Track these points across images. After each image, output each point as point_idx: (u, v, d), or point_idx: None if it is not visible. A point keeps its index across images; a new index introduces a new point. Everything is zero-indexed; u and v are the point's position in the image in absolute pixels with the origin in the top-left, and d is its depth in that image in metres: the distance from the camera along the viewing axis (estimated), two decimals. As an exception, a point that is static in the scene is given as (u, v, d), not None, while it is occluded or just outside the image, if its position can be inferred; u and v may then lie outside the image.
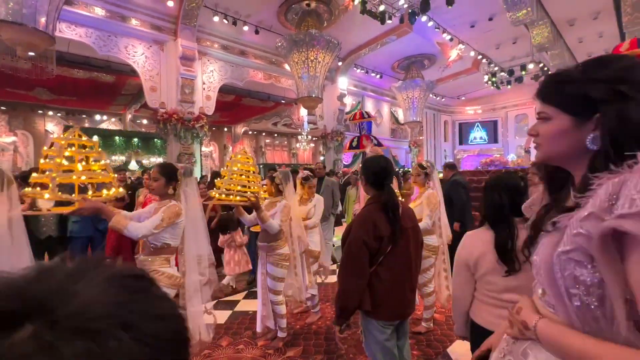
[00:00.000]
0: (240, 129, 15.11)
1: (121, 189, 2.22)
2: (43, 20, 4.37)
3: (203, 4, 6.99)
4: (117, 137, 10.22)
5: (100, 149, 2.02)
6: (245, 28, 7.83)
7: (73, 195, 1.78)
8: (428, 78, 11.66)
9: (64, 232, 3.57)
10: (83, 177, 1.84)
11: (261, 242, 2.63)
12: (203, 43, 7.78)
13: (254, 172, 2.61)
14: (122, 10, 6.63)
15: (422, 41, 9.48)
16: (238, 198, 2.41)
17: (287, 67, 8.56)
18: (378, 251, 1.52)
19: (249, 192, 2.45)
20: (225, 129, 15.20)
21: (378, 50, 9.80)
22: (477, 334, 1.31)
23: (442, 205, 2.92)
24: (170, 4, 6.76)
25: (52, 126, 11.60)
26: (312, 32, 7.45)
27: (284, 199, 2.68)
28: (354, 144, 8.05)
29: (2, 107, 10.35)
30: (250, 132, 16.17)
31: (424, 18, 7.74)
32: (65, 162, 1.80)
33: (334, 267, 3.49)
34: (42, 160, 1.83)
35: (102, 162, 1.98)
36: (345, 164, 11.23)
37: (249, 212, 2.69)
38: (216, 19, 7.40)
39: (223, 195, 2.39)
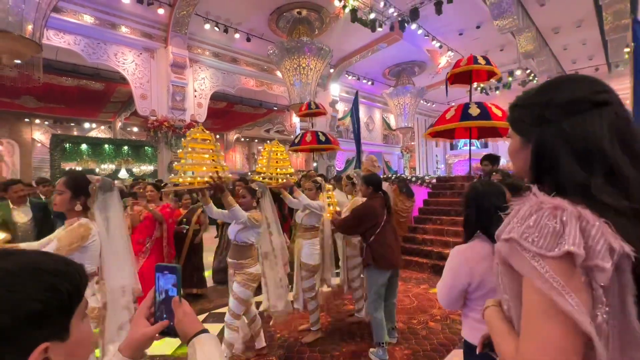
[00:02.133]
0: (232, 136, 15.05)
1: None
2: (30, 27, 4.30)
3: (194, 12, 6.98)
4: (106, 146, 10.05)
5: None
6: (237, 36, 7.84)
7: None
8: (419, 84, 11.82)
9: None
10: None
11: (230, 258, 2.41)
12: (194, 50, 7.76)
13: (215, 151, 2.29)
14: (111, 17, 6.59)
15: (412, 48, 9.63)
16: (199, 180, 2.11)
17: (279, 74, 8.58)
18: (375, 225, 2.49)
19: (211, 174, 2.15)
20: (218, 136, 15.10)
21: (369, 57, 9.91)
22: (474, 356, 1.28)
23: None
24: (161, 11, 6.74)
25: (39, 135, 11.38)
26: (304, 40, 7.50)
27: (258, 212, 2.46)
28: (297, 140, 6.59)
29: (-13, 116, 10.12)
30: (242, 139, 16.10)
31: (413, 26, 7.87)
32: None
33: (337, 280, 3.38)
34: None
35: None
36: (339, 170, 11.24)
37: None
38: (207, 26, 7.40)
39: (180, 179, 2.08)
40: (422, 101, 12.75)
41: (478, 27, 8.54)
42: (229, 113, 11.32)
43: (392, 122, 13.28)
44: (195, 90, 7.81)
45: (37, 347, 0.43)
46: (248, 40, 7.91)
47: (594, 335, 0.43)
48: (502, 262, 0.55)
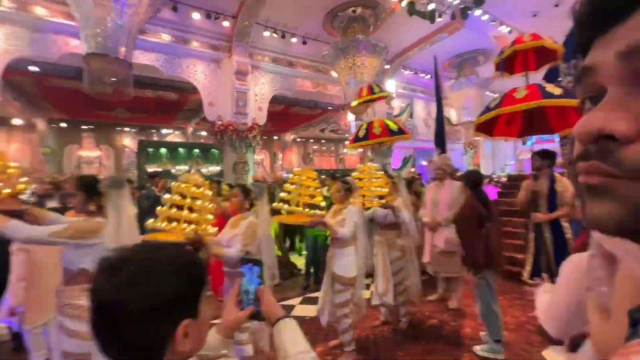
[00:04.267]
0: (289, 136, 15.62)
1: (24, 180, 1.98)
2: (123, 49, 5.00)
3: (255, 21, 7.41)
4: (180, 149, 11.24)
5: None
6: (294, 40, 8.11)
7: None
8: (483, 75, 10.91)
9: None
10: None
11: (226, 266, 2.21)
12: (255, 57, 8.23)
13: (204, 191, 2.11)
14: (184, 34, 7.32)
15: (475, 36, 8.93)
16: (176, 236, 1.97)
17: (334, 74, 8.67)
18: (483, 222, 2.44)
19: (190, 227, 2.01)
20: (275, 137, 15.82)
21: (427, 49, 9.45)
22: None
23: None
24: (226, 24, 7.28)
25: (128, 141, 13.16)
26: (359, 38, 7.46)
27: (251, 215, 2.28)
28: (361, 133, 5.63)
29: (91, 126, 12.01)
30: (298, 140, 16.61)
31: (477, 12, 7.29)
32: None
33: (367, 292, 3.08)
34: None
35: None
36: (395, 168, 10.94)
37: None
38: (267, 33, 7.79)
39: (161, 225, 1.99)
40: (487, 92, 11.76)
41: (557, 5, 7.57)
42: (286, 115, 11.77)
43: (453, 117, 12.48)
44: (256, 95, 8.29)
45: (181, 322, 0.56)
46: (304, 43, 8.13)
47: None
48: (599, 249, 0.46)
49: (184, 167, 11.02)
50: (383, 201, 2.91)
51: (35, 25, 5.88)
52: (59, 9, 5.83)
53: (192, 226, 2.09)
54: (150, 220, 2.11)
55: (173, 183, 2.20)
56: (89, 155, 12.05)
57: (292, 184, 2.63)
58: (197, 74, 7.64)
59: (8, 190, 1.74)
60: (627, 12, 0.25)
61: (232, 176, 7.60)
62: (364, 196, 2.94)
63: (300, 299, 3.90)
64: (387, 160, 10.58)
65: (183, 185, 2.14)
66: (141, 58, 6.96)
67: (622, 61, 0.26)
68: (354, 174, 3.16)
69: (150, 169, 10.20)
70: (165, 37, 7.09)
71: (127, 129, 13.01)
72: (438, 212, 3.47)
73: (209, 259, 3.14)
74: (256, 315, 0.79)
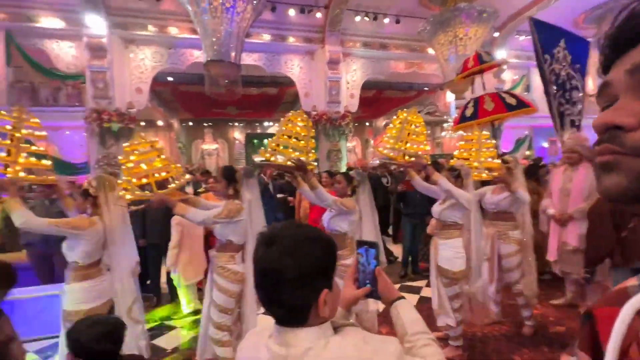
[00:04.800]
0: (381, 122, 15.25)
1: (187, 176, 2.53)
2: (233, 54, 5.67)
3: (346, 8, 7.37)
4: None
5: (160, 147, 2.30)
6: (386, 20, 7.78)
7: (146, 192, 2.16)
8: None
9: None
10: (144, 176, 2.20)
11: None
12: (346, 45, 8.24)
13: (307, 136, 2.35)
14: (282, 32, 7.81)
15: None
16: (280, 159, 2.26)
17: (430, 51, 8.00)
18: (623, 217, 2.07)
19: (294, 155, 2.26)
20: (367, 124, 15.68)
21: (551, 5, 7.79)
22: None
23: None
24: (319, 15, 7.46)
25: (237, 134, 15.00)
26: (461, 6, 6.66)
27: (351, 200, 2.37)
28: (468, 112, 4.74)
29: (210, 123, 14.12)
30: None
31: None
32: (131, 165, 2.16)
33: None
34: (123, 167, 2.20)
35: (162, 157, 2.25)
36: (505, 151, 9.56)
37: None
38: (358, 18, 7.68)
39: (267, 155, 2.30)
40: None
41: None
42: (378, 100, 11.50)
43: (590, 86, 10.06)
44: (347, 83, 8.33)
45: (322, 291, 0.68)
46: (397, 22, 7.72)
47: None
48: None
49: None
50: (495, 174, 2.54)
51: (170, 42, 7.16)
52: (186, 26, 6.93)
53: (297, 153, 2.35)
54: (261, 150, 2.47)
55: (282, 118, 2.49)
56: (209, 148, 14.23)
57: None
58: (294, 67, 8.10)
59: (174, 185, 2.25)
60: (635, 43, 0.35)
61: (327, 164, 7.90)
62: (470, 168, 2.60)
63: (397, 286, 3.86)
64: (497, 142, 9.32)
65: (290, 124, 2.42)
66: (247, 59, 7.75)
67: (629, 76, 0.35)
68: (458, 143, 2.86)
69: (256, 158, 11.45)
70: (266, 37, 7.71)
71: (236, 123, 14.83)
72: (569, 203, 2.89)
73: None
74: (372, 295, 0.84)
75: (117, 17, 6.55)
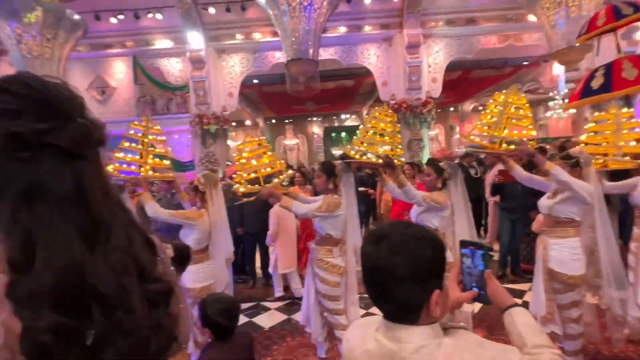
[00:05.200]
0: (468, 106, 13.87)
1: (289, 172, 2.77)
2: (311, 51, 5.83)
3: (427, -15, 6.84)
4: (358, 131, 12.21)
5: (267, 145, 2.59)
6: (474, -9, 6.95)
7: (256, 185, 2.40)
8: None
9: None
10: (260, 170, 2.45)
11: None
12: (427, 25, 7.66)
13: (393, 131, 2.37)
14: (357, 22, 7.69)
15: None
16: (372, 158, 2.29)
17: (532, 18, 6.86)
18: None
19: (380, 151, 2.28)
20: (451, 109, 14.43)
21: None
22: None
23: None
24: (396, -2, 7.11)
25: (316, 129, 15.49)
26: (573, -42, 5.51)
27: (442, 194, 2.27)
28: (597, 83, 3.03)
29: (290, 120, 14.91)
30: (480, 108, 14.47)
31: None
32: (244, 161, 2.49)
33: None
34: (237, 162, 2.56)
35: (269, 153, 2.52)
36: None
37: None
38: (440, -6, 7.05)
39: (352, 152, 2.34)
40: None
41: None
42: (464, 81, 10.45)
43: None
44: (429, 66, 7.77)
45: (434, 291, 0.68)
46: (488, -10, 6.82)
47: None
48: None
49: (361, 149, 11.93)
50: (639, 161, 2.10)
51: (254, 47, 7.75)
52: (268, 30, 7.40)
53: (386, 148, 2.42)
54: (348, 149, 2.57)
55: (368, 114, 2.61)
56: (290, 143, 15.05)
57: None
58: (370, 57, 7.92)
59: (276, 180, 2.50)
60: None
61: (407, 154, 7.56)
62: (605, 155, 2.20)
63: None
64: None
65: (374, 121, 2.50)
66: (323, 54, 7.88)
67: None
68: (587, 126, 2.38)
69: (334, 151, 11.66)
70: (342, 29, 7.70)
71: (315, 118, 15.31)
72: None
73: None
74: (481, 299, 0.80)
75: (211, 30, 7.37)
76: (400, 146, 2.46)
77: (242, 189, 2.38)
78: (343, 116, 15.36)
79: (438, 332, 0.69)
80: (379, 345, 0.70)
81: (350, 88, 11.19)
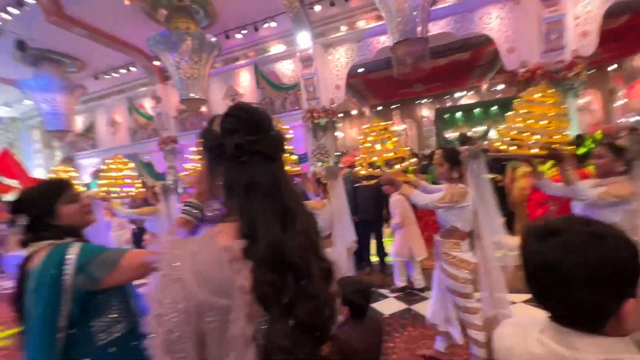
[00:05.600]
0: (638, 60, 10.47)
1: (413, 159, 2.54)
2: (420, 28, 5.43)
3: None
4: (475, 110, 10.81)
5: (392, 130, 2.46)
6: None
7: (378, 170, 2.30)
8: None
9: None
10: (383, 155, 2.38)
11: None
12: (572, -34, 6.08)
13: (557, 115, 1.86)
14: (474, -17, 6.72)
15: None
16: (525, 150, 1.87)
17: None
18: None
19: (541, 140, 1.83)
20: (610, 68, 11.20)
21: None
22: None
23: None
24: (526, -58, 5.86)
25: (425, 111, 14.49)
26: None
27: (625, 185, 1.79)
28: None
29: (397, 105, 14.41)
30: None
31: None
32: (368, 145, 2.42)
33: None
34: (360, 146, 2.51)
35: (394, 139, 2.40)
36: None
37: None
38: None
39: (504, 145, 1.96)
40: None
41: None
42: (633, 29, 7.92)
43: None
44: (577, 18, 6.17)
45: (626, 299, 0.59)
46: None
47: None
48: None
49: (480, 129, 10.56)
50: None
51: (358, 36, 7.73)
52: (372, 15, 7.25)
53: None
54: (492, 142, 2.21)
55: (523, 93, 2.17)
56: (398, 129, 14.52)
57: None
58: (491, 21, 6.83)
59: (398, 166, 2.52)
60: None
61: (545, 131, 6.28)
62: None
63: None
64: None
65: (527, 104, 2.00)
66: (433, 29, 7.21)
67: None
68: None
69: (448, 134, 10.67)
70: (454, -3, 6.88)
71: (424, 100, 14.33)
72: None
73: None
74: None
75: (318, 27, 7.71)
76: (568, 132, 1.99)
77: (362, 172, 2.44)
78: (458, 94, 13.87)
79: (630, 348, 0.61)
80: (547, 349, 0.64)
81: (465, 62, 9.98)
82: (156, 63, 8.91)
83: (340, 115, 12.09)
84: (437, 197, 2.06)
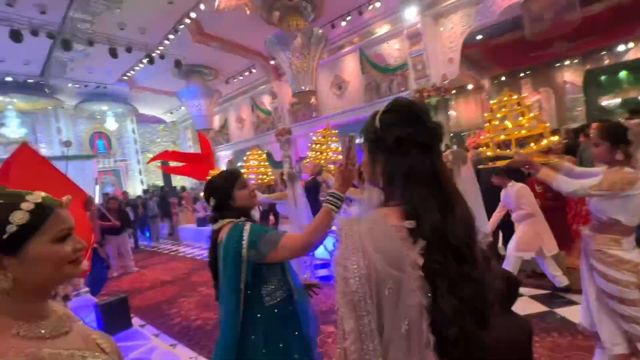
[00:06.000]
0: None
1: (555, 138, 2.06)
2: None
3: None
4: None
5: (528, 104, 1.98)
6: None
7: (509, 150, 1.96)
8: None
9: None
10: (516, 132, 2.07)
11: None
12: None
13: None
14: None
15: None
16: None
17: None
18: None
19: None
20: None
21: None
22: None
23: None
24: None
25: (568, 75, 11.63)
26: None
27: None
28: None
29: (527, 72, 12.04)
30: None
31: None
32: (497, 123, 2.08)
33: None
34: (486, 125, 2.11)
35: (531, 114, 2.02)
36: None
37: None
38: None
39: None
40: None
41: None
42: None
43: None
44: None
45: None
46: None
47: None
48: None
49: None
50: None
51: (476, -1, 6.72)
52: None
53: None
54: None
55: None
56: (532, 100, 12.19)
57: None
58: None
59: (533, 145, 2.17)
60: None
61: None
62: None
63: None
64: None
65: None
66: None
67: None
68: None
69: (604, 101, 8.34)
70: None
71: (566, 62, 11.50)
72: None
73: None
74: None
75: (427, -2, 7.07)
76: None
77: (489, 153, 2.13)
78: (620, 48, 10.59)
79: None
80: None
81: (629, 5, 7.49)
82: (272, 62, 9.89)
83: (453, 92, 10.93)
84: (590, 183, 1.67)
